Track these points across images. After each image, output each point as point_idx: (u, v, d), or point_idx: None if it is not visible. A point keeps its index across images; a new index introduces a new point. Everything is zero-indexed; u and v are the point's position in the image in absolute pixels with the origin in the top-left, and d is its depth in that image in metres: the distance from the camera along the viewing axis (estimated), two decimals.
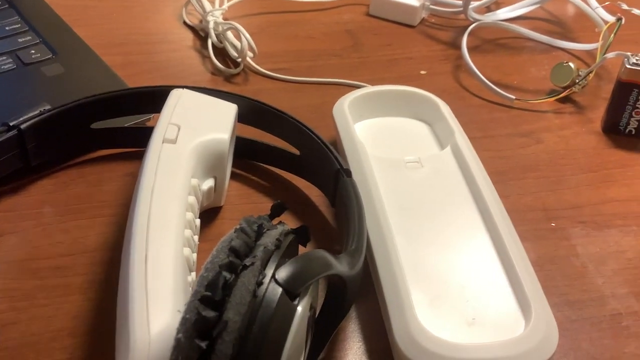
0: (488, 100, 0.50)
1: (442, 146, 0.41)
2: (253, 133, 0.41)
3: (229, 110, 0.39)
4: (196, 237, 0.33)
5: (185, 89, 0.39)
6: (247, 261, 0.24)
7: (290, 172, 0.41)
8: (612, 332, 0.34)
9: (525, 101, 0.50)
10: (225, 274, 0.24)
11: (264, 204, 0.40)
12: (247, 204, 0.40)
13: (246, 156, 0.42)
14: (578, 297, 0.35)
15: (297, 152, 0.40)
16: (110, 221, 0.38)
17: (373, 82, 0.50)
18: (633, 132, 0.47)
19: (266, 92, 0.50)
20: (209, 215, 0.38)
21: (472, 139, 0.41)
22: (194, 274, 0.31)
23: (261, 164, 0.42)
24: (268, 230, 0.26)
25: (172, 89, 0.39)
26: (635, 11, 0.53)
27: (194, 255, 0.32)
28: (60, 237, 0.37)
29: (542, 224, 0.40)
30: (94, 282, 0.34)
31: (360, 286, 0.31)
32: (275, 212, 0.28)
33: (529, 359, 0.29)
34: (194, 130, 0.36)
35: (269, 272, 0.24)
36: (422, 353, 0.28)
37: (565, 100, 0.51)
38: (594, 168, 0.44)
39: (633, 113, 0.46)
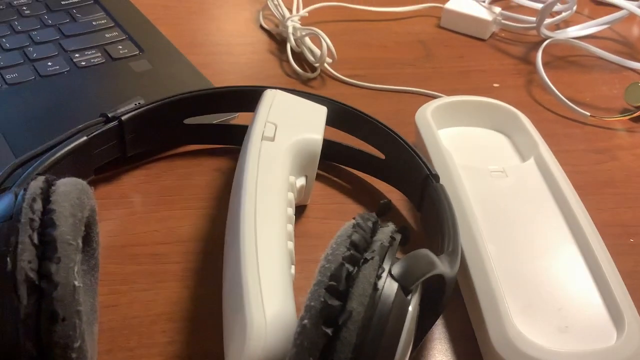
0: (561, 116, 0.51)
1: (523, 158, 0.42)
2: (335, 136, 0.42)
3: (320, 111, 0.40)
4: (293, 232, 0.34)
5: (278, 90, 0.40)
6: (367, 255, 0.25)
7: (374, 175, 0.42)
8: None
9: (600, 118, 0.50)
10: (348, 266, 0.25)
11: (347, 205, 0.41)
12: (330, 204, 0.41)
13: (330, 158, 0.43)
14: None
15: (382, 156, 0.41)
16: (202, 213, 0.39)
17: (447, 93, 0.51)
18: None
19: (343, 97, 0.50)
20: (295, 213, 0.39)
21: None
22: (293, 266, 0.32)
23: (343, 167, 0.43)
24: (381, 227, 0.27)
25: (262, 90, 0.40)
26: None
27: (293, 249, 0.33)
28: (156, 226, 0.38)
29: (620, 239, 0.40)
30: (191, 270, 0.36)
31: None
32: (382, 211, 0.29)
33: None
34: (290, 129, 0.37)
35: (386, 267, 0.25)
36: (519, 356, 0.29)
37: (638, 120, 0.51)
38: None
39: None
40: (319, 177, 0.42)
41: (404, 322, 0.25)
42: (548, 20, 0.58)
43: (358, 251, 0.25)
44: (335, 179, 0.43)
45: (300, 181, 0.37)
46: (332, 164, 0.43)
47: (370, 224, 0.27)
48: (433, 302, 0.30)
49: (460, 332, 0.34)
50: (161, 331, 0.32)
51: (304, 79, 0.52)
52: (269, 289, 0.28)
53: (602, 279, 0.33)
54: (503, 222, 0.36)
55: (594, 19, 0.62)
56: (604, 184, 0.44)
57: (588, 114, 0.50)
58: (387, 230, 0.27)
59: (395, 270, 0.25)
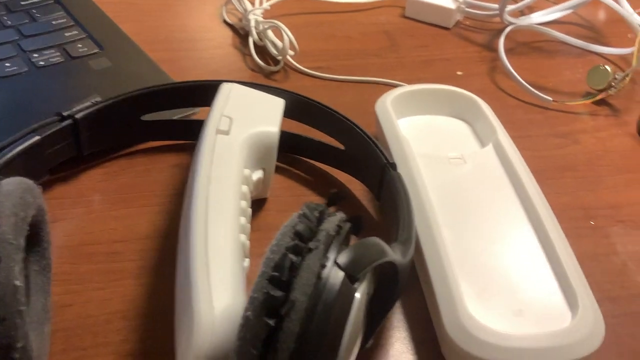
0: (524, 102, 0.51)
1: (482, 144, 0.42)
2: (295, 128, 0.42)
3: (277, 104, 0.39)
4: (248, 225, 0.34)
5: (234, 83, 0.40)
6: (312, 245, 0.25)
7: (334, 166, 0.42)
8: None
9: (562, 103, 0.50)
10: (291, 256, 0.24)
11: (307, 197, 0.41)
12: (290, 197, 0.41)
13: (289, 150, 0.43)
14: (619, 294, 0.36)
15: (341, 146, 0.41)
16: (160, 210, 0.39)
17: (410, 82, 0.51)
18: None
19: (306, 89, 0.50)
20: (254, 206, 0.39)
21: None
22: (247, 260, 0.32)
23: (303, 158, 0.43)
24: (328, 216, 0.27)
25: (220, 84, 0.40)
26: None
27: (248, 242, 0.33)
28: (113, 224, 0.38)
29: (581, 222, 0.40)
30: (147, 267, 0.35)
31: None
32: (332, 201, 0.29)
33: (575, 351, 0.29)
34: (245, 122, 0.37)
35: (331, 256, 0.25)
36: (473, 342, 0.29)
37: (601, 103, 0.51)
38: (631, 169, 0.45)
39: None
40: (278, 170, 0.42)
41: (350, 310, 0.25)
42: (512, 7, 0.58)
43: (302, 241, 0.25)
44: (295, 171, 0.43)
45: (257, 174, 0.37)
46: (292, 156, 0.43)
47: (316, 213, 0.27)
48: (388, 290, 0.30)
49: (419, 319, 0.34)
50: (115, 330, 0.32)
51: (267, 72, 0.52)
52: (219, 283, 0.28)
53: (557, 262, 0.33)
54: (460, 208, 0.36)
55: (558, 4, 0.62)
56: (565, 167, 0.45)
57: (550, 99, 0.50)
58: (334, 220, 0.27)
59: (342, 259, 0.25)
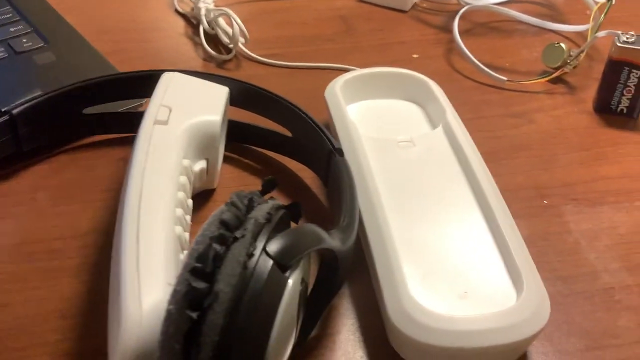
0: (480, 83, 0.50)
1: (433, 126, 0.41)
2: (246, 116, 0.41)
3: (221, 92, 0.39)
4: (188, 217, 0.33)
5: (176, 72, 0.39)
6: (238, 233, 0.24)
7: (283, 154, 0.41)
8: (605, 306, 0.34)
9: (517, 82, 0.50)
10: (216, 246, 0.24)
11: (256, 186, 0.39)
12: (239, 187, 0.40)
13: (239, 139, 0.42)
14: (570, 272, 0.35)
15: (289, 134, 0.40)
16: (103, 205, 0.38)
17: (365, 67, 0.50)
18: (625, 111, 0.47)
19: (259, 77, 0.50)
20: (201, 197, 0.38)
21: (465, 121, 0.40)
22: (186, 252, 0.31)
23: (254, 147, 0.42)
24: (259, 204, 0.26)
25: (163, 73, 0.39)
26: None
27: (186, 235, 0.32)
28: (54, 222, 0.37)
29: (534, 201, 0.40)
30: (87, 264, 0.34)
31: (353, 263, 0.32)
32: (266, 188, 0.28)
33: (520, 330, 0.29)
34: (185, 112, 0.36)
35: (259, 244, 0.24)
36: (415, 326, 0.28)
37: (557, 81, 0.51)
38: (586, 147, 0.45)
39: (624, 92, 0.46)
40: (227, 159, 0.41)
41: (281, 300, 0.24)
42: None
43: (229, 230, 0.24)
44: (245, 160, 0.42)
45: (200, 165, 0.36)
46: (242, 145, 0.42)
47: (246, 201, 0.26)
48: (329, 279, 0.30)
49: (367, 306, 0.33)
50: (53, 329, 0.31)
51: (219, 61, 0.51)
52: (148, 277, 0.27)
53: (504, 243, 0.32)
54: (407, 191, 0.35)
55: None
56: (519, 147, 0.44)
57: (505, 78, 0.50)
58: (265, 207, 0.26)
59: (272, 247, 0.24)
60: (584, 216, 0.39)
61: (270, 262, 0.24)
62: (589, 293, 0.34)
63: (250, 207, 0.26)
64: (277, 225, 0.26)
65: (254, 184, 0.40)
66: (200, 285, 0.23)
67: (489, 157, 0.41)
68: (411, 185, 0.36)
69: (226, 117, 0.40)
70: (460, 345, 0.28)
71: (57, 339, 0.31)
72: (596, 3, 0.53)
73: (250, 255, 0.24)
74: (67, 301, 0.32)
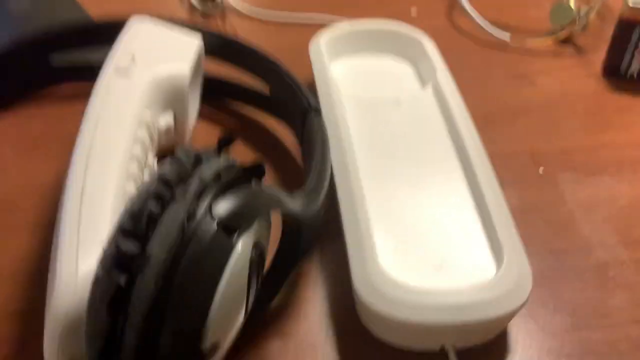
0: (482, 41, 0.47)
1: (423, 86, 0.38)
2: (224, 71, 0.39)
3: (192, 42, 0.36)
4: (147, 174, 0.31)
5: (146, 18, 0.36)
6: (178, 191, 0.22)
7: (262, 109, 0.39)
8: (597, 283, 0.31)
9: (522, 41, 0.46)
10: (152, 204, 0.21)
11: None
12: (212, 143, 0.37)
13: (216, 94, 0.40)
14: (562, 246, 0.33)
15: (268, 89, 0.37)
16: (67, 160, 0.36)
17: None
18: (635, 76, 0.43)
19: (245, 31, 0.47)
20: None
21: (462, 81, 0.37)
22: None
23: (234, 103, 0.40)
24: (208, 162, 0.24)
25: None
26: None
27: None
28: (14, 175, 0.35)
29: (529, 169, 0.37)
30: (43, 221, 0.32)
31: (327, 228, 0.29)
32: (221, 145, 0.26)
33: (498, 305, 0.26)
34: (150, 60, 0.33)
35: (203, 204, 0.22)
36: (382, 297, 0.26)
37: (565, 41, 0.47)
38: (590, 112, 0.41)
39: (635, 54, 0.42)
40: (203, 115, 0.39)
41: (225, 265, 0.22)
42: None
43: (169, 187, 0.22)
44: (221, 115, 0.39)
45: (165, 119, 0.34)
46: (219, 100, 0.40)
47: (192, 157, 0.23)
48: (292, 245, 0.27)
49: (339, 275, 0.31)
50: (0, 289, 0.29)
51: (204, 12, 0.48)
52: (89, 238, 0.24)
53: (486, 212, 0.30)
54: (387, 155, 0.33)
55: None
56: (519, 111, 0.41)
57: (508, 35, 0.46)
58: (214, 165, 0.23)
59: (218, 208, 0.22)
60: (582, 186, 0.36)
61: (214, 224, 0.22)
62: (580, 268, 0.32)
63: (197, 163, 0.23)
64: (228, 184, 0.23)
65: None
66: (130, 247, 0.21)
67: (484, 121, 0.38)
68: (392, 148, 0.33)
69: (200, 70, 0.38)
70: (431, 321, 0.26)
71: (4, 299, 0.29)
72: None
73: (191, 216, 0.21)
74: (20, 260, 0.30)
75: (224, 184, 0.23)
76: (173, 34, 0.36)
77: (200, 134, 0.38)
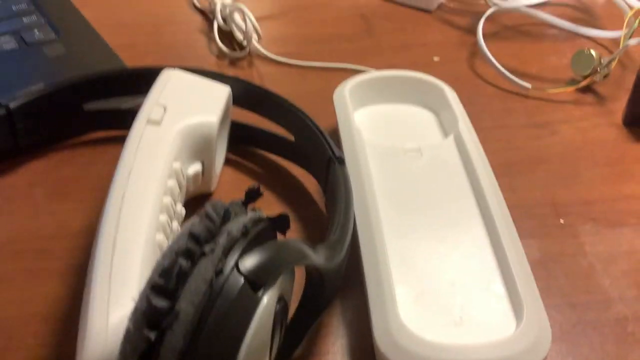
0: (503, 89, 0.48)
1: (446, 135, 0.39)
2: (250, 118, 0.40)
3: (222, 92, 0.37)
4: (176, 224, 0.32)
5: (177, 69, 0.38)
6: (207, 248, 0.23)
7: (286, 158, 0.40)
8: (616, 337, 0.31)
9: (543, 90, 0.47)
10: (182, 261, 0.22)
11: None
12: (239, 191, 0.38)
13: (242, 141, 0.41)
14: (581, 299, 0.33)
15: (292, 137, 0.38)
16: (98, 205, 0.37)
17: (382, 68, 0.48)
18: None
19: (271, 76, 0.48)
20: (198, 202, 0.37)
21: (483, 129, 0.38)
22: None
23: (257, 150, 0.41)
24: (237, 216, 0.25)
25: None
26: None
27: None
28: (46, 220, 0.36)
29: (549, 220, 0.37)
30: (74, 267, 0.33)
31: (345, 280, 0.30)
32: (249, 198, 0.26)
33: None
34: (181, 111, 0.34)
35: (231, 260, 0.23)
36: (402, 353, 0.26)
37: (586, 90, 0.48)
38: (611, 162, 0.42)
39: None
40: (229, 162, 0.40)
41: (250, 320, 0.23)
42: None
43: (198, 243, 0.23)
44: (247, 163, 0.40)
45: (194, 168, 0.35)
46: (244, 147, 0.41)
47: (222, 212, 0.24)
48: (315, 298, 0.28)
49: (360, 326, 0.31)
50: (32, 333, 0.30)
51: (232, 58, 0.50)
52: (119, 290, 0.25)
53: (506, 266, 0.30)
54: (408, 205, 0.33)
55: None
56: (539, 160, 0.42)
57: (529, 85, 0.47)
58: (242, 220, 0.24)
59: (245, 263, 0.23)
60: (602, 238, 0.36)
61: (242, 279, 0.22)
62: (600, 322, 0.32)
63: (226, 218, 0.24)
64: (255, 238, 0.24)
65: None
66: (161, 303, 0.21)
67: (505, 170, 0.39)
68: (413, 198, 0.34)
69: (228, 118, 0.39)
70: None
71: (37, 344, 0.30)
72: (631, 8, 0.50)
73: (219, 272, 0.22)
74: (51, 304, 0.31)
75: (251, 239, 0.24)
76: (203, 85, 0.37)
77: (226, 180, 0.39)
